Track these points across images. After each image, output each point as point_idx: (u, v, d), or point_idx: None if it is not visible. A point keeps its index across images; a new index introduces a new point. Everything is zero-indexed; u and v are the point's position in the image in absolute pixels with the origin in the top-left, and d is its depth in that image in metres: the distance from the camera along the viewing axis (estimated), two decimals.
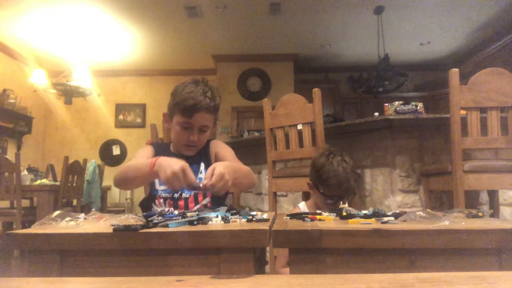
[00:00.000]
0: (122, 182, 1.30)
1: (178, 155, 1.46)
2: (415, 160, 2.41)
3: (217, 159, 1.45)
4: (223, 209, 1.05)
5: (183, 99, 1.35)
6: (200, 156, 1.49)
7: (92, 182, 4.61)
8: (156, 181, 1.42)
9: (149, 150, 1.50)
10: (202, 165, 1.45)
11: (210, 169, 1.07)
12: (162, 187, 1.40)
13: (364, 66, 6.15)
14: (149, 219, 0.87)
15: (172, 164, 1.06)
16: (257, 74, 6.44)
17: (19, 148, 6.08)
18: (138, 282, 0.50)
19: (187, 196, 1.37)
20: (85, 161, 4.56)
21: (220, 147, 1.52)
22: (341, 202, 1.52)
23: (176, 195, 1.38)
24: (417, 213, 0.86)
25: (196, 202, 1.38)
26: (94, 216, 0.96)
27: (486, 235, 0.72)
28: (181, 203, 1.37)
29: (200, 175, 1.43)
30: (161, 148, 1.52)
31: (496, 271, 0.71)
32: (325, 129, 2.12)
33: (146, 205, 1.43)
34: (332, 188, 1.51)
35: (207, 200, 1.38)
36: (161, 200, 1.39)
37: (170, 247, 0.73)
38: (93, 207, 4.42)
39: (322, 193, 1.54)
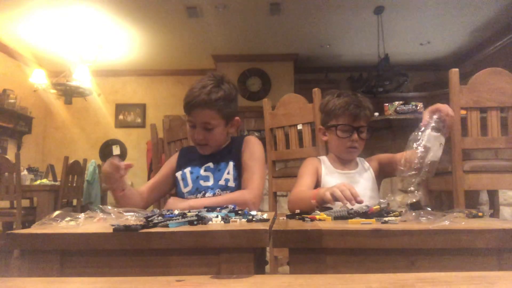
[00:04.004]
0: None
1: (206, 155, 1.44)
2: None
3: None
4: (226, 210, 1.05)
5: (186, 95, 1.35)
6: (230, 153, 1.44)
7: (92, 182, 4.61)
8: (181, 183, 1.42)
9: (173, 158, 1.52)
10: (231, 164, 1.40)
11: None
12: (186, 189, 1.40)
13: (364, 66, 6.14)
14: (149, 219, 0.87)
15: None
16: (257, 74, 6.44)
17: (19, 148, 6.08)
18: (138, 282, 0.50)
19: (210, 195, 1.35)
20: (85, 161, 4.55)
21: (248, 145, 1.43)
22: (359, 136, 1.36)
23: (199, 195, 1.36)
24: (417, 213, 0.87)
25: None
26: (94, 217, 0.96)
27: (486, 235, 0.72)
28: None
29: (227, 176, 1.38)
30: (189, 151, 1.52)
31: (496, 271, 0.71)
32: None
33: None
34: (341, 112, 1.36)
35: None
36: None
37: (170, 247, 0.73)
38: (93, 207, 4.42)
39: (334, 128, 1.38)
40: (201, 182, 1.39)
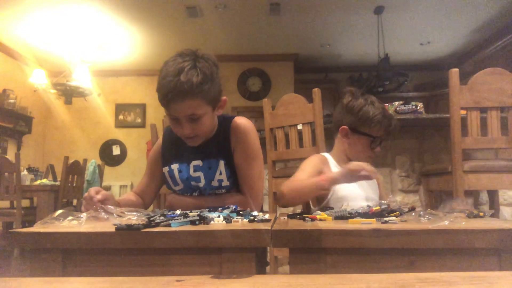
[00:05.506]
0: None
1: (192, 148, 1.29)
2: (415, 160, 2.42)
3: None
4: (227, 210, 1.05)
5: (159, 85, 1.11)
6: (218, 146, 1.27)
7: (92, 182, 4.62)
8: (169, 180, 1.33)
9: (157, 150, 1.40)
10: (222, 163, 1.26)
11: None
12: (177, 188, 1.32)
13: (364, 66, 6.14)
14: (151, 218, 0.87)
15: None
16: (257, 74, 6.44)
17: (19, 148, 6.08)
18: (138, 282, 0.51)
19: (209, 193, 1.30)
20: (85, 161, 4.56)
21: (239, 139, 1.27)
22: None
23: (195, 194, 1.31)
24: (418, 213, 0.87)
25: None
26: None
27: (486, 235, 0.72)
28: None
29: (220, 177, 1.26)
30: (173, 139, 1.34)
31: (496, 271, 0.71)
32: (325, 129, 2.12)
33: None
34: (381, 126, 1.37)
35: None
36: None
37: (172, 247, 0.73)
38: None
39: (365, 135, 1.38)
40: (193, 183, 1.29)
